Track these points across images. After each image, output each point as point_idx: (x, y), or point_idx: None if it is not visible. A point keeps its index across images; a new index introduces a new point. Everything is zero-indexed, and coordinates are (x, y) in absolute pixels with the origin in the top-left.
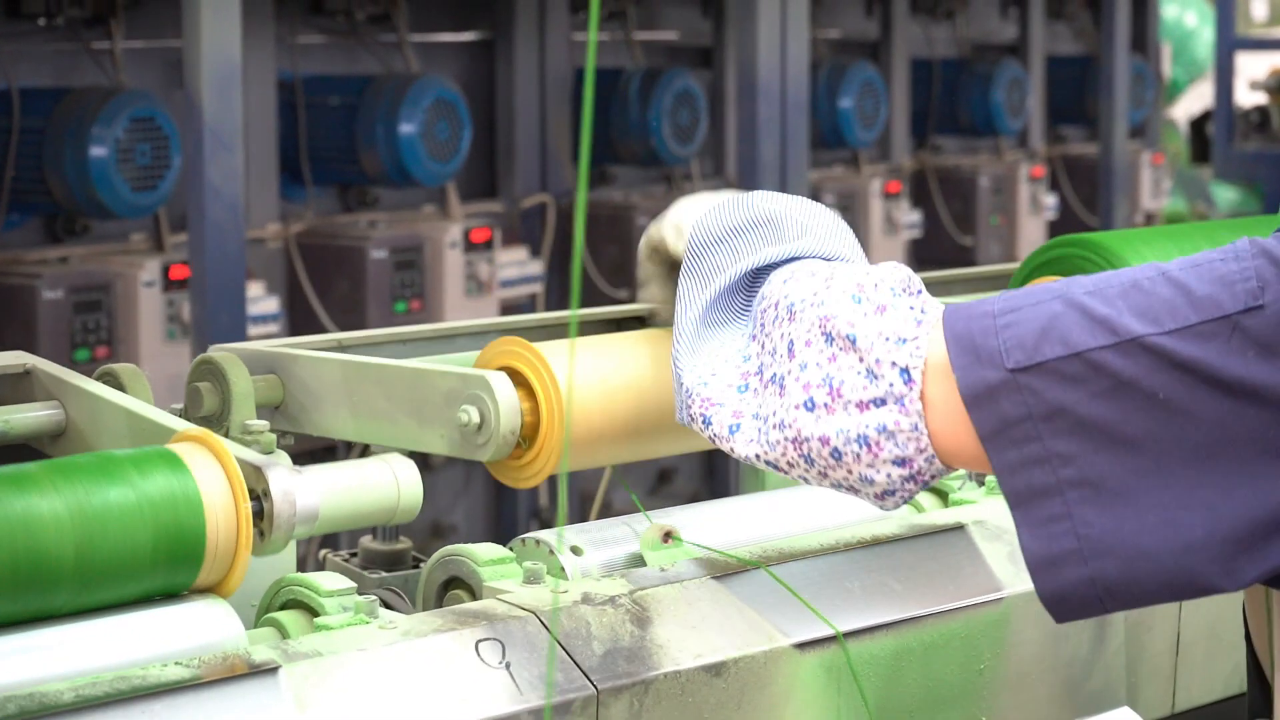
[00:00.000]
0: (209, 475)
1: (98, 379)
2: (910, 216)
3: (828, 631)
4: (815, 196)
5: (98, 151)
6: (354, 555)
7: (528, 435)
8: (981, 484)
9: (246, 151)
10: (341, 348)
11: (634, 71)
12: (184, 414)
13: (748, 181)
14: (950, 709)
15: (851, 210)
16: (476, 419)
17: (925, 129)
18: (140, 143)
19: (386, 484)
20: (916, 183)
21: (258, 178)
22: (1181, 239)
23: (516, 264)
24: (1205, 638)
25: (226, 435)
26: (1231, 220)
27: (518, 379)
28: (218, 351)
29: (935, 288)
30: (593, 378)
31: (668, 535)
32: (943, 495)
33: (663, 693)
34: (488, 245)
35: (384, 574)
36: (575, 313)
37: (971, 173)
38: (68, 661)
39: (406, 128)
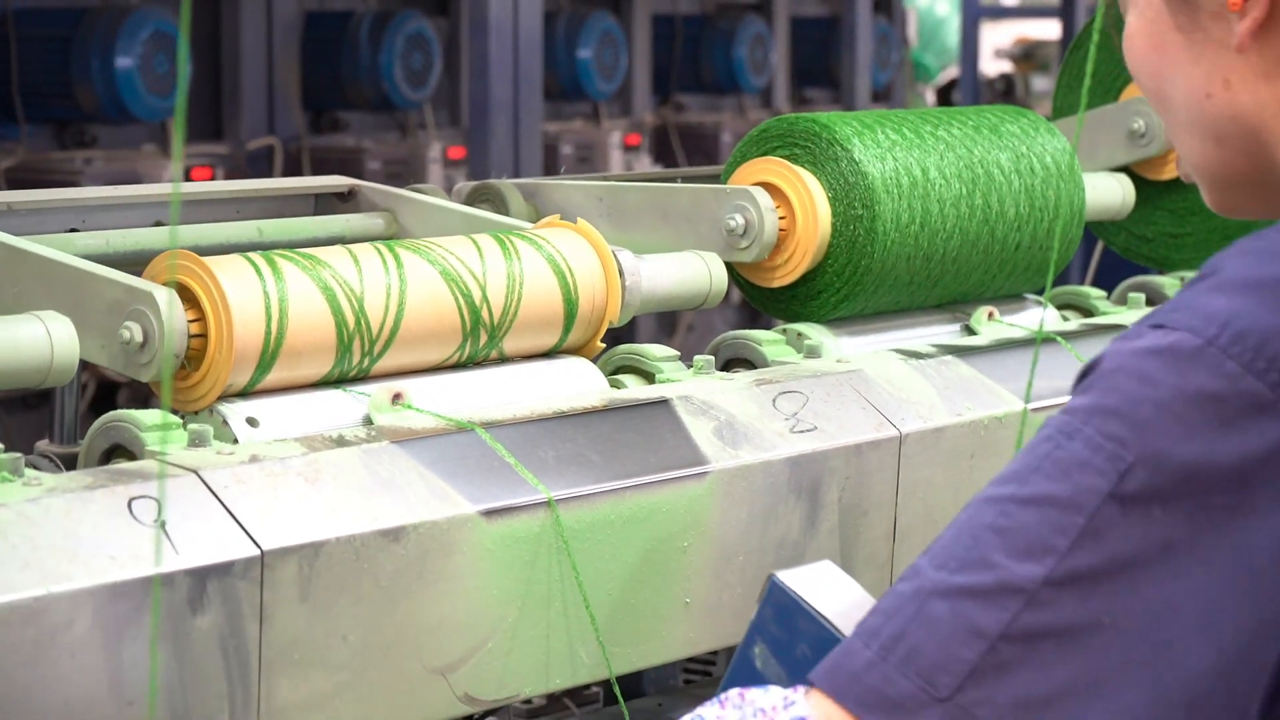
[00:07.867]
0: None
1: None
2: (651, 170)
3: (517, 500)
4: (554, 148)
5: None
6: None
7: (195, 356)
8: (690, 366)
9: None
10: (11, 211)
11: (365, 13)
12: None
13: (480, 123)
14: (650, 588)
15: (590, 162)
16: (139, 338)
17: (668, 85)
18: None
19: (37, 340)
20: (658, 138)
21: None
22: (899, 122)
23: None
24: (923, 523)
25: None
26: (950, 110)
27: (187, 296)
28: None
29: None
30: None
31: (396, 397)
32: (649, 376)
33: (335, 557)
34: None
35: None
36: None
37: (714, 129)
38: None
39: (123, 61)
